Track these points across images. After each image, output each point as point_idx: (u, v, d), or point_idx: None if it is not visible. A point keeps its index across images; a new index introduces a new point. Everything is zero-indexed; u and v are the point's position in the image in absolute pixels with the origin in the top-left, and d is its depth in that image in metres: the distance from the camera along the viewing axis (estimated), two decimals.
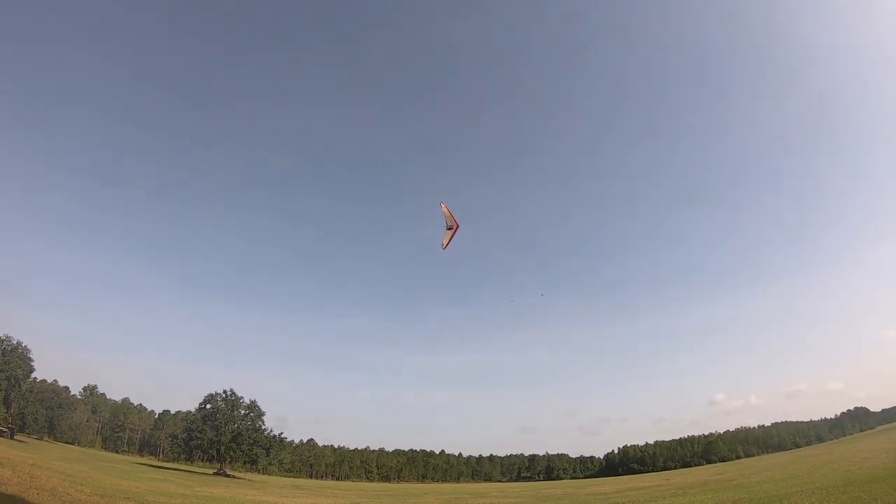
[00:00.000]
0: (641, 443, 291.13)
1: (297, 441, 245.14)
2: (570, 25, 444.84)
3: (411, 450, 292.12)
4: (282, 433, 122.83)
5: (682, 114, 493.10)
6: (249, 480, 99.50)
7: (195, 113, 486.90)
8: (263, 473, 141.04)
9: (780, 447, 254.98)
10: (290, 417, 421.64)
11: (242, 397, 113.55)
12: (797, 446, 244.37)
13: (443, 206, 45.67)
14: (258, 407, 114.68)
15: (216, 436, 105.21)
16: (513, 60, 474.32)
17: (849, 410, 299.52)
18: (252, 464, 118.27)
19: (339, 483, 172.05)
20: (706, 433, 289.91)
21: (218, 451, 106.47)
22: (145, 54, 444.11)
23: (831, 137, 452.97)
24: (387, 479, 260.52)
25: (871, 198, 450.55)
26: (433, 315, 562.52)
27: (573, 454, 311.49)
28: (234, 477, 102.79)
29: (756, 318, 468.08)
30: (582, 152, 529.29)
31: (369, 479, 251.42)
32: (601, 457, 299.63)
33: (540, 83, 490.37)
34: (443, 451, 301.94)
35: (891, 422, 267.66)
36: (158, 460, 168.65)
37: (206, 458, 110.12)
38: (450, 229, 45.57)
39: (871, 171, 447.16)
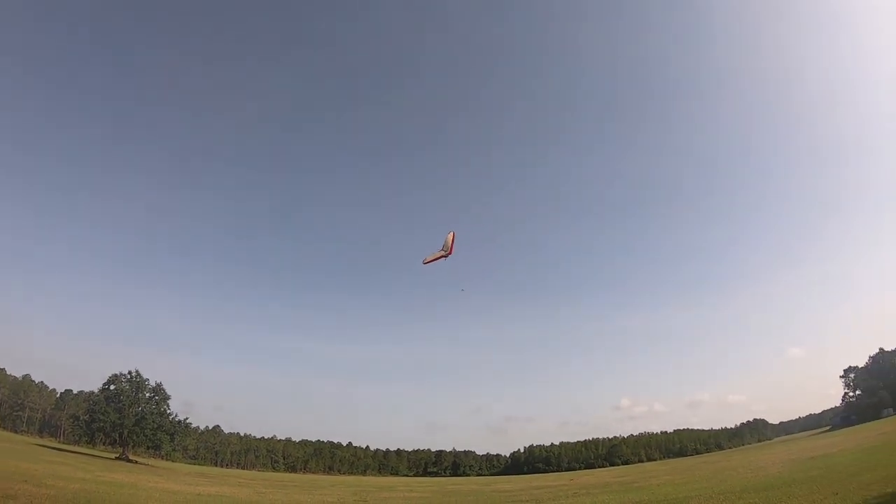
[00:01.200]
0: (547, 443, 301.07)
1: (202, 427, 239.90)
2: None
3: (318, 441, 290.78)
4: (187, 419, 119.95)
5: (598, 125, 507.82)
6: (153, 466, 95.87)
7: None
8: (167, 460, 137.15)
9: (681, 453, 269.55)
10: (195, 402, 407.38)
11: (148, 379, 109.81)
12: (698, 453, 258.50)
13: (451, 234, 50.91)
14: (164, 390, 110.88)
15: (119, 419, 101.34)
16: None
17: (748, 422, 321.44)
18: (156, 449, 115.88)
19: (244, 472, 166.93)
20: (610, 436, 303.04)
21: (121, 434, 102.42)
22: None
23: (752, 160, 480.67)
24: (293, 469, 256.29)
25: (783, 222, 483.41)
26: (347, 304, 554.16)
27: (480, 452, 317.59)
28: (136, 462, 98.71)
29: (665, 330, 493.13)
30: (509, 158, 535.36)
31: (275, 469, 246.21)
32: (508, 455, 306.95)
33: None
34: (350, 443, 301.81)
35: (788, 434, 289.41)
36: (59, 442, 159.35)
37: (108, 441, 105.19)
38: (442, 251, 50.26)
39: (787, 194, 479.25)
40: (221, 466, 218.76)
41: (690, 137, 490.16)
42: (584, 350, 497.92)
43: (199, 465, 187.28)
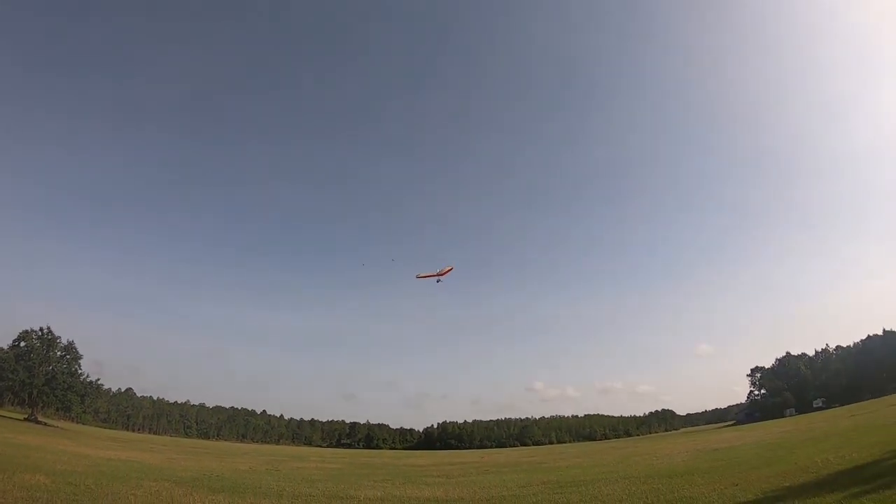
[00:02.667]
0: (460, 420, 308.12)
1: (113, 389, 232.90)
2: None
3: (232, 407, 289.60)
4: (98, 379, 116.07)
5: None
6: (63, 429, 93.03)
7: None
8: (77, 422, 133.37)
9: (590, 437, 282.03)
10: (107, 363, 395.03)
11: (59, 337, 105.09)
12: (607, 438, 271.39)
13: (450, 268, 60.99)
14: (75, 349, 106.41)
15: (29, 378, 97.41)
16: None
17: (656, 411, 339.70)
18: (66, 411, 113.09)
19: (156, 437, 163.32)
20: (523, 417, 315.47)
21: (30, 394, 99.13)
22: None
23: (684, 165, 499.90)
24: (206, 436, 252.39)
25: (707, 225, 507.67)
26: (267, 270, 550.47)
27: (394, 426, 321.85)
28: (46, 424, 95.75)
29: (582, 318, 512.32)
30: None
31: (188, 435, 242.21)
32: (421, 430, 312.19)
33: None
34: (264, 411, 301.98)
35: (693, 425, 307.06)
36: None
37: (16, 401, 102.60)
38: (437, 275, 59.11)
39: (715, 200, 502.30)
40: (133, 431, 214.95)
41: (624, 136, 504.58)
42: (501, 333, 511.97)
43: (110, 428, 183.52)
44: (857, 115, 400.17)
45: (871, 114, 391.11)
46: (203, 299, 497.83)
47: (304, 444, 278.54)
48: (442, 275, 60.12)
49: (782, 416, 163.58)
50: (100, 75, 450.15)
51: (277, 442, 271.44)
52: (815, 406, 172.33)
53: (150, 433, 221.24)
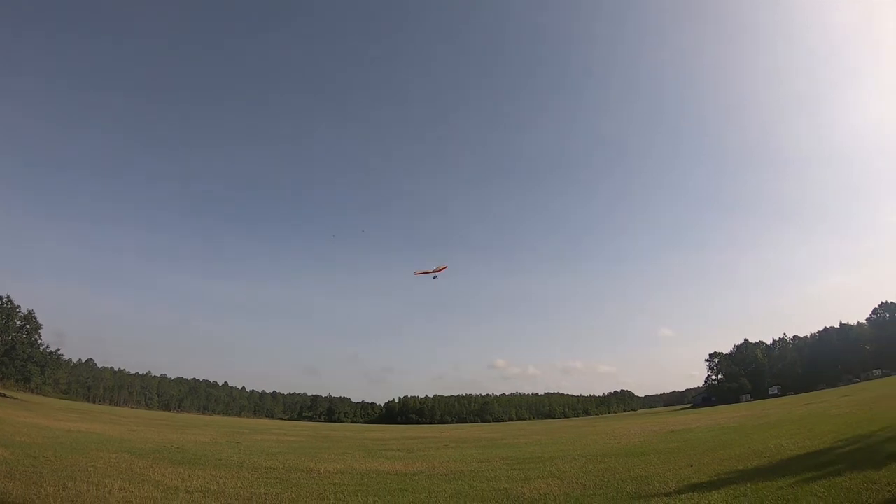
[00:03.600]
0: (422, 395, 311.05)
1: (74, 360, 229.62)
2: None
3: (194, 379, 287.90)
4: (58, 350, 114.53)
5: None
6: (22, 401, 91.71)
7: None
8: (37, 394, 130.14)
9: (550, 415, 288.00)
10: (67, 333, 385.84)
11: (19, 307, 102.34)
12: (566, 416, 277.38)
13: (444, 267, 65.58)
14: (35, 319, 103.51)
15: None
16: None
17: (616, 392, 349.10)
18: (25, 382, 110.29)
19: (117, 409, 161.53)
20: (484, 394, 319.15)
21: None
22: None
23: (634, 149, 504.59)
24: (167, 407, 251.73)
25: (678, 211, 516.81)
26: (229, 241, 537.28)
27: (356, 399, 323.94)
28: (5, 396, 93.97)
29: (546, 298, 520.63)
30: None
31: (149, 407, 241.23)
32: (383, 404, 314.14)
33: None
34: (226, 383, 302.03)
35: (652, 407, 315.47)
36: None
37: None
38: (433, 272, 63.80)
39: (687, 189, 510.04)
40: (94, 402, 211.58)
41: (593, 119, 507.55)
42: (465, 310, 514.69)
43: (70, 400, 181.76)
44: (827, 114, 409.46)
45: (840, 113, 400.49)
46: (166, 269, 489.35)
47: (266, 416, 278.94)
48: (438, 272, 64.31)
49: (738, 401, 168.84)
50: (46, 28, 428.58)
51: (239, 414, 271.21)
52: (770, 393, 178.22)
53: (110, 405, 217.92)
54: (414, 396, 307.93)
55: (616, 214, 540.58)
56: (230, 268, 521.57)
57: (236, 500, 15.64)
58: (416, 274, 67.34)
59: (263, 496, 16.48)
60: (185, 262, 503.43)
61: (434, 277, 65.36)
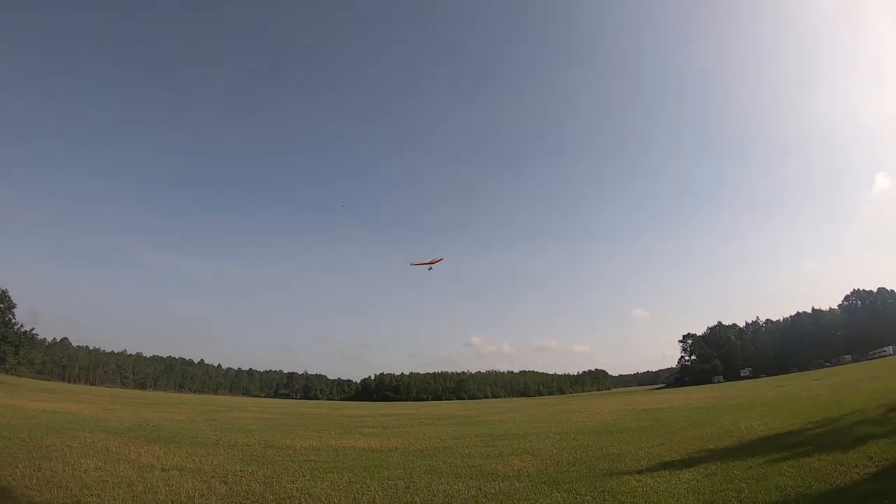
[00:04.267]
0: (398, 372, 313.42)
1: (49, 339, 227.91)
2: None
3: (170, 357, 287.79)
4: (32, 329, 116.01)
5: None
6: None
7: None
8: (12, 374, 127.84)
9: (525, 393, 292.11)
10: (42, 312, 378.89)
11: None
12: (541, 394, 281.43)
13: (441, 259, 69.11)
14: (9, 298, 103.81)
15: None
16: None
17: (590, 371, 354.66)
18: (0, 362, 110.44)
19: (93, 388, 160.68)
20: (459, 371, 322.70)
21: None
22: None
23: (613, 130, 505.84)
24: (143, 386, 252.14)
25: (645, 192, 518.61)
26: (205, 217, 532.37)
27: (332, 376, 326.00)
28: None
29: (523, 276, 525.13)
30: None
31: (125, 386, 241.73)
32: (359, 381, 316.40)
33: None
34: (202, 360, 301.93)
35: (625, 386, 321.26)
36: None
37: None
38: (428, 263, 66.48)
39: (646, 166, 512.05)
40: (69, 382, 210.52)
41: (573, 94, 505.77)
42: (441, 287, 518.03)
43: (45, 380, 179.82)
44: (805, 104, 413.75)
45: (816, 104, 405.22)
46: (142, 247, 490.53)
47: (242, 394, 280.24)
48: (434, 263, 67.43)
49: (710, 382, 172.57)
50: None
51: (215, 392, 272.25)
52: (742, 375, 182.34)
53: (86, 384, 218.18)
54: (390, 374, 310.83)
55: (596, 196, 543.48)
56: (206, 245, 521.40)
57: (212, 477, 15.59)
58: (412, 265, 70.13)
59: (239, 473, 16.44)
60: (160, 238, 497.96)
61: (430, 269, 68.30)
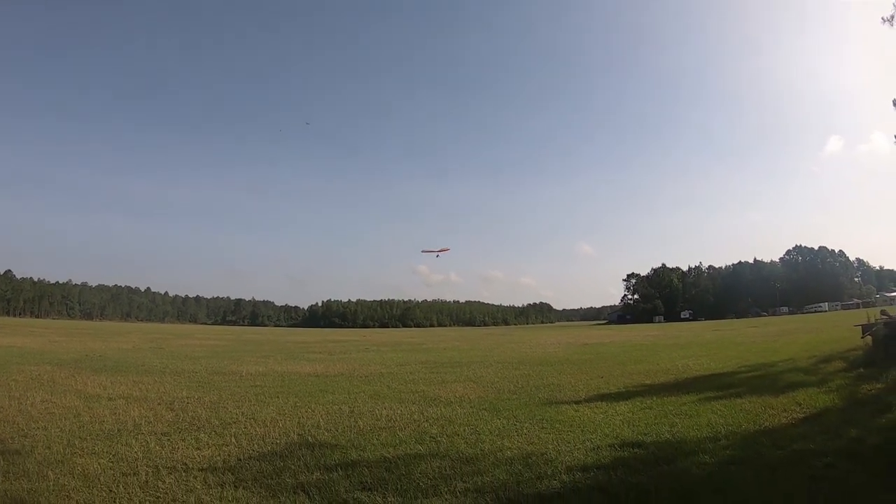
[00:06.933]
0: (345, 299, 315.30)
1: None
2: None
3: (116, 286, 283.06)
4: None
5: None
6: None
7: None
8: None
9: (470, 323, 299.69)
10: None
11: None
12: (486, 325, 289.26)
13: (447, 249, 75.31)
14: None
15: None
16: None
17: (535, 304, 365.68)
18: None
19: (38, 321, 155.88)
20: (406, 299, 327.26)
21: None
22: None
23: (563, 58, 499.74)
24: (89, 316, 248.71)
25: (594, 124, 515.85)
26: (145, 132, 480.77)
27: (279, 303, 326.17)
28: None
29: (471, 205, 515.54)
30: None
31: (71, 317, 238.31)
32: (306, 308, 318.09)
33: None
34: (149, 288, 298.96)
35: (569, 321, 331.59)
36: None
37: None
38: (436, 252, 71.73)
39: (601, 101, 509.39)
40: (14, 315, 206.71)
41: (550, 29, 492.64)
42: (390, 213, 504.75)
43: None
44: (770, 54, 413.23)
45: (781, 57, 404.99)
46: (82, 167, 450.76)
47: (190, 321, 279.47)
48: (442, 251, 72.69)
49: (651, 321, 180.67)
50: None
51: (162, 320, 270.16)
52: (682, 317, 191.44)
53: (31, 317, 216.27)
54: (337, 300, 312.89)
55: (549, 129, 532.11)
56: (147, 164, 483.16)
57: (158, 404, 15.45)
58: (423, 252, 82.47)
59: (185, 399, 16.34)
60: (96, 158, 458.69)
61: (437, 256, 75.07)
